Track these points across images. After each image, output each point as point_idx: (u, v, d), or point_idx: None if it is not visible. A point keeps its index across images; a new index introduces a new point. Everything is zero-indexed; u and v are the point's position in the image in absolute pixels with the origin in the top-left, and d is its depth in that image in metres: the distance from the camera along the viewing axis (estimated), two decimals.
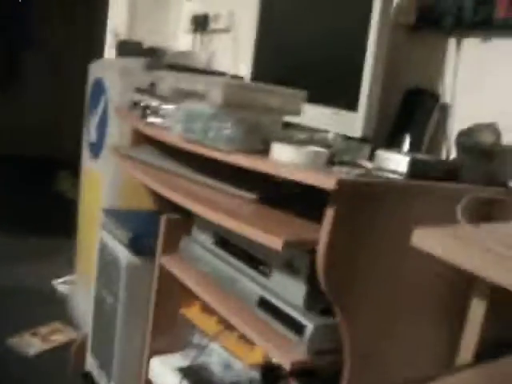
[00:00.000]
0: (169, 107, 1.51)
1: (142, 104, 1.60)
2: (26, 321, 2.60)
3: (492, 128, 1.34)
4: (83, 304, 2.52)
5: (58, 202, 4.67)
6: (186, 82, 1.24)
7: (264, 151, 1.21)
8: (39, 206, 4.44)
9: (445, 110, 1.56)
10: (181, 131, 1.35)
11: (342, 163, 1.20)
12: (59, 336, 2.54)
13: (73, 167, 5.14)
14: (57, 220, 4.01)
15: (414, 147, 1.49)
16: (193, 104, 1.29)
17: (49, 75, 5.97)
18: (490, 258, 0.67)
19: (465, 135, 1.35)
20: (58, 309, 2.79)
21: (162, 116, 1.52)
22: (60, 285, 3.07)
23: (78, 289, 2.68)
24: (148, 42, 2.70)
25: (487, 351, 0.78)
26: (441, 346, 1.27)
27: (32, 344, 2.43)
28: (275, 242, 1.07)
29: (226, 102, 1.15)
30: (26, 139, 5.75)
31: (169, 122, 1.49)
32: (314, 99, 1.39)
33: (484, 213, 1.29)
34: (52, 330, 2.58)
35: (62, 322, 2.65)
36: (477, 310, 0.77)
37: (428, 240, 0.74)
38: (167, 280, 1.71)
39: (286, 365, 1.17)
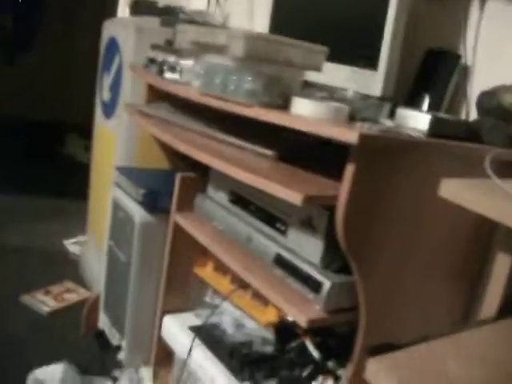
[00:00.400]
0: (187, 62, 1.49)
1: (159, 60, 1.59)
2: (38, 280, 2.62)
3: None
4: (95, 264, 2.54)
5: (67, 164, 4.68)
6: (206, 34, 1.22)
7: (284, 106, 1.20)
8: (49, 169, 4.45)
9: (466, 71, 1.54)
10: (200, 85, 1.33)
11: (362, 120, 1.18)
12: (71, 295, 2.56)
13: (81, 130, 5.16)
14: (66, 182, 4.03)
15: (434, 107, 1.48)
16: (212, 57, 1.28)
17: (58, 36, 5.93)
18: None
19: (486, 96, 1.34)
20: (69, 269, 2.82)
21: (180, 71, 1.50)
22: (71, 245, 3.09)
23: (90, 248, 2.69)
24: (162, 1, 2.67)
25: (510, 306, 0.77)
26: (459, 303, 1.27)
27: (45, 302, 2.45)
28: (295, 197, 1.06)
29: (248, 55, 1.13)
30: (33, 102, 5.74)
31: (187, 76, 1.47)
32: (333, 58, 1.37)
33: (506, 174, 1.29)
34: (64, 289, 2.60)
35: (73, 281, 2.67)
36: (501, 264, 0.76)
37: (457, 190, 0.73)
38: (181, 238, 1.71)
39: (302, 322, 1.17)
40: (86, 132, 4.91)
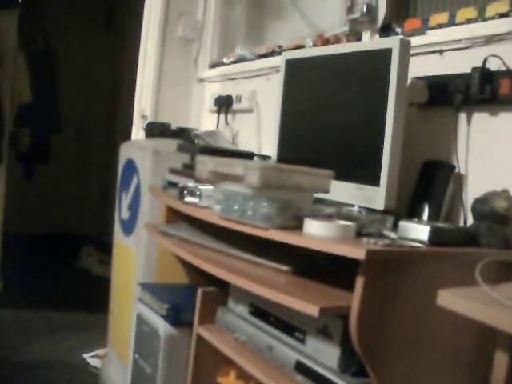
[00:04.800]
0: (206, 188, 1.63)
1: (179, 185, 1.73)
2: None
3: (505, 195, 1.44)
4: (116, 376, 2.59)
5: (83, 277, 4.77)
6: (224, 165, 1.37)
7: (297, 227, 1.33)
8: (64, 282, 4.53)
9: (460, 179, 1.66)
10: (220, 210, 1.47)
11: (368, 235, 1.30)
12: None
13: (95, 243, 5.28)
14: (82, 295, 4.11)
15: (433, 216, 1.59)
16: (230, 185, 1.42)
17: (72, 153, 6.18)
18: (507, 314, 0.78)
19: (480, 202, 1.45)
20: (89, 381, 2.85)
21: (199, 196, 1.64)
22: (91, 358, 3.13)
23: (111, 361, 2.74)
24: (173, 121, 2.86)
25: None
26: None
27: None
28: (312, 310, 1.16)
29: (262, 184, 1.27)
30: (48, 216, 5.90)
31: (206, 201, 1.61)
32: (339, 176, 1.51)
33: (503, 274, 1.39)
34: None
35: None
36: (501, 362, 0.87)
37: (451, 299, 0.85)
38: (204, 349, 1.80)
39: None
40: (100, 245, 5.05)
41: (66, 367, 3.00)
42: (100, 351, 3.12)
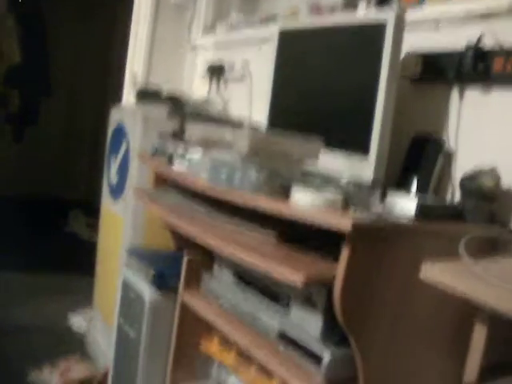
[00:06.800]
0: (194, 155, 1.63)
1: (168, 151, 1.72)
2: (44, 356, 2.65)
3: (492, 172, 1.45)
4: (101, 339, 2.61)
5: (70, 241, 4.76)
6: (214, 132, 1.36)
7: (285, 196, 1.33)
8: (52, 246, 4.51)
9: (449, 154, 1.66)
10: (207, 178, 1.47)
11: (355, 206, 1.31)
12: (78, 371, 2.60)
13: (83, 207, 5.27)
14: (70, 259, 4.10)
15: (421, 190, 1.59)
16: (218, 152, 1.42)
17: (62, 116, 6.13)
18: (487, 287, 0.79)
19: (467, 179, 1.46)
20: (74, 344, 2.86)
21: (188, 163, 1.64)
22: (76, 321, 3.14)
23: (96, 324, 2.76)
24: (165, 87, 2.83)
25: (490, 373, 0.88)
26: (450, 373, 1.36)
27: (51, 379, 2.49)
28: (296, 278, 1.17)
29: (251, 152, 1.27)
30: (35, 178, 5.88)
31: (195, 168, 1.61)
32: (329, 145, 1.51)
33: (486, 250, 1.41)
34: (70, 365, 2.63)
35: (79, 357, 2.71)
36: (479, 335, 0.88)
37: (434, 272, 0.86)
38: (188, 315, 1.81)
39: None
40: (88, 209, 5.04)
41: (51, 330, 3.00)
42: (85, 315, 3.13)
